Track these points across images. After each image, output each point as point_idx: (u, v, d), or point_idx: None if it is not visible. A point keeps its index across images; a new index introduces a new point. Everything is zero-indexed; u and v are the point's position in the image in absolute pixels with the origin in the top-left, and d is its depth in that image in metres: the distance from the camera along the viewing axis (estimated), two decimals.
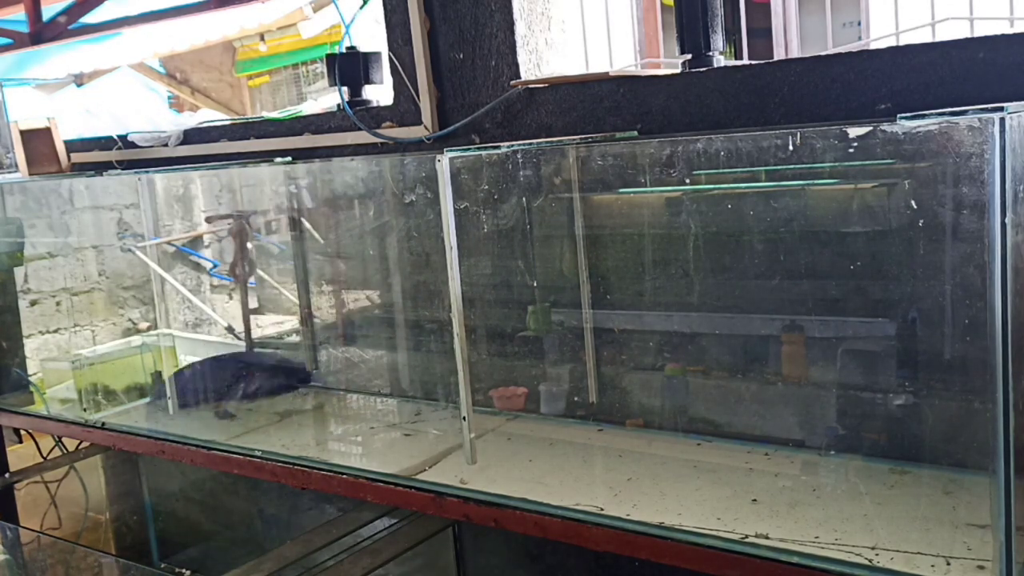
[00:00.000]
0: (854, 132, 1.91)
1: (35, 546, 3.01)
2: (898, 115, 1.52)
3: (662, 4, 6.41)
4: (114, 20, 3.66)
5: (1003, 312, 1.44)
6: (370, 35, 3.36)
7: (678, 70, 2.22)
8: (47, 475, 3.62)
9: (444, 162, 2.06)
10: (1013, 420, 1.47)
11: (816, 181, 2.04)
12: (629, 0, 5.87)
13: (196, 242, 5.97)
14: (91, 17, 3.70)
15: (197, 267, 6.00)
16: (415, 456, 2.39)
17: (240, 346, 3.37)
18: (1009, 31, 1.86)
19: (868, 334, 2.07)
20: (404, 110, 2.68)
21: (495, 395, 2.66)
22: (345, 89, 2.83)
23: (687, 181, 2.21)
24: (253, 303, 3.14)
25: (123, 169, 3.47)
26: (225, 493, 3.55)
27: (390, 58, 2.68)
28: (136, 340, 3.70)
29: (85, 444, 3.63)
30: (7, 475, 3.58)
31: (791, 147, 1.98)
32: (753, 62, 2.14)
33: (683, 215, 2.29)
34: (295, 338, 3.21)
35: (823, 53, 2.06)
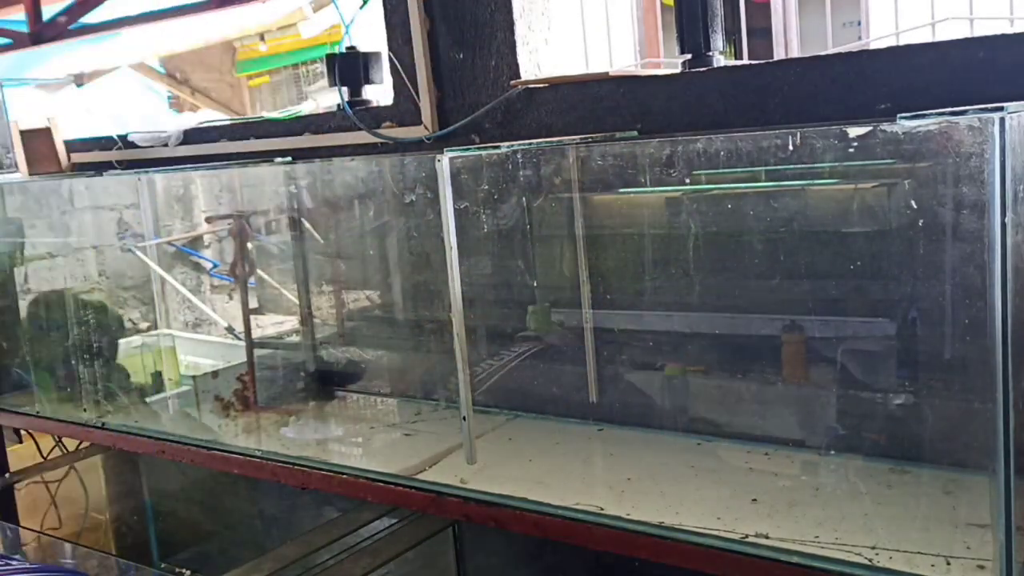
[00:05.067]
0: (854, 132, 1.91)
1: (35, 546, 3.00)
2: (898, 115, 1.52)
3: (662, 4, 6.41)
4: (114, 20, 3.66)
5: (1003, 312, 1.44)
6: (370, 35, 3.36)
7: (678, 70, 2.22)
8: (47, 475, 3.62)
9: (444, 162, 2.06)
10: (1013, 420, 1.47)
11: (816, 181, 2.04)
12: (629, 0, 5.86)
13: (196, 242, 5.96)
14: (91, 17, 3.69)
15: (197, 267, 5.99)
16: (415, 456, 2.39)
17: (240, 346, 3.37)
18: (1009, 31, 1.86)
19: (868, 334, 2.06)
20: (404, 110, 2.68)
21: None
22: (345, 89, 2.83)
23: (687, 181, 2.21)
24: (253, 303, 3.14)
25: (123, 169, 3.47)
26: (225, 493, 3.55)
27: (390, 58, 2.67)
28: (136, 340, 3.69)
29: (85, 444, 3.63)
30: (7, 475, 3.58)
31: (791, 147, 1.98)
32: (753, 62, 2.14)
33: (683, 215, 2.29)
34: (295, 338, 3.20)
35: (823, 53, 2.06)
